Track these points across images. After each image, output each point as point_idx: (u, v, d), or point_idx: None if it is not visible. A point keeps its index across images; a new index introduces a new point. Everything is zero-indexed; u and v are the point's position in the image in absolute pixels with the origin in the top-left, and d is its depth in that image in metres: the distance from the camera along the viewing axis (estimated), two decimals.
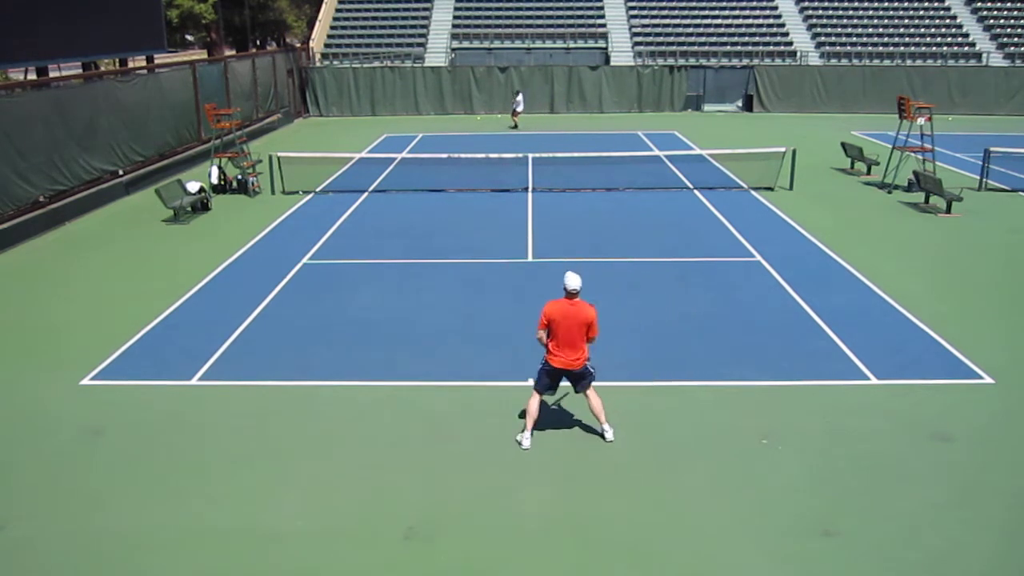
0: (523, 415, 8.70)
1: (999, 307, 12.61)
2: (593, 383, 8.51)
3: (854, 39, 39.49)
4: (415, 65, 38.20)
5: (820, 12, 41.21)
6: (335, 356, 10.87)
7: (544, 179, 21.94)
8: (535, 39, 39.71)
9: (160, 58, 30.58)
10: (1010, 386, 9.87)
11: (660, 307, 12.61)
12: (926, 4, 41.12)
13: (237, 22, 50.60)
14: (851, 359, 10.58)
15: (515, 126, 33.03)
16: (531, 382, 9.98)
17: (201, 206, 19.32)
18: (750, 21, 40.59)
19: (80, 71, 25.73)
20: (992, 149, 21.71)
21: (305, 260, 15.15)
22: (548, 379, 8.47)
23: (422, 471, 8.13)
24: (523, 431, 8.57)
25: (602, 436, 8.62)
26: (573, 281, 8.22)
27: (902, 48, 38.79)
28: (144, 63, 28.51)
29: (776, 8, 41.46)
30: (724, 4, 41.40)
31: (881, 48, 38.99)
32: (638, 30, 40.18)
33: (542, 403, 8.72)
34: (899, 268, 14.49)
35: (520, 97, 33.92)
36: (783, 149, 21.86)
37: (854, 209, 19.13)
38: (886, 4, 41.13)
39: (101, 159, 20.47)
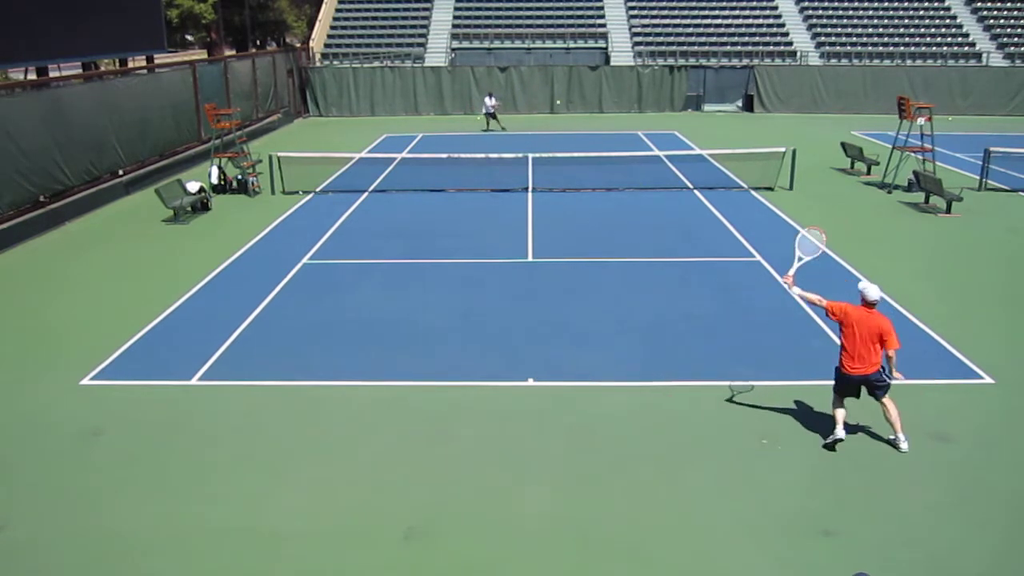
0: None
1: (999, 307, 12.61)
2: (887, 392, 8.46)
3: (854, 39, 39.47)
4: (415, 65, 38.19)
5: (820, 12, 41.18)
6: (335, 356, 10.87)
7: (544, 179, 21.93)
8: (535, 39, 39.69)
9: (160, 58, 30.55)
10: (1010, 386, 9.88)
11: (660, 307, 12.60)
12: (926, 4, 41.10)
13: (237, 22, 50.58)
14: None
15: (489, 128, 32.15)
16: (531, 381, 10.05)
17: (201, 206, 19.32)
18: (750, 21, 40.56)
19: (80, 71, 25.72)
20: (992, 149, 21.70)
21: (305, 260, 15.15)
22: (843, 384, 8.46)
23: (422, 471, 8.13)
24: (836, 427, 8.41)
25: (895, 446, 8.44)
26: (873, 292, 8.31)
27: (902, 48, 38.76)
28: (144, 63, 28.51)
29: (776, 8, 41.44)
30: (724, 4, 41.36)
31: (881, 48, 38.96)
32: (638, 30, 40.16)
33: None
34: (899, 268, 14.49)
35: (490, 100, 32.57)
36: (783, 149, 21.85)
37: (854, 209, 19.13)
38: (886, 4, 41.10)
39: (101, 159, 20.46)
